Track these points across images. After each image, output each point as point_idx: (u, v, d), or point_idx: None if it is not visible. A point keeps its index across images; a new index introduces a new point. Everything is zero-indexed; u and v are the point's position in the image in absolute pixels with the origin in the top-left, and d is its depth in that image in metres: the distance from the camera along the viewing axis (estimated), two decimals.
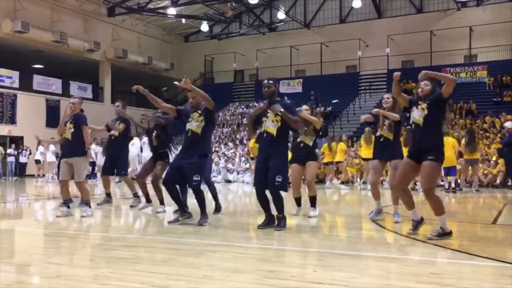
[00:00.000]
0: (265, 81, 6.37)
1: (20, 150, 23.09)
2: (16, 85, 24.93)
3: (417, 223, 5.67)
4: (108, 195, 9.48)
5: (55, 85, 26.90)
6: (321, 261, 4.42)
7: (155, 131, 8.28)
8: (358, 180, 17.34)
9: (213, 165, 17.85)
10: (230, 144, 24.26)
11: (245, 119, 26.67)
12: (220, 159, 20.70)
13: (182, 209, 6.83)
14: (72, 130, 7.54)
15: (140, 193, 9.15)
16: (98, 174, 19.01)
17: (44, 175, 20.91)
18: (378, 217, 7.09)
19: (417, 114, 5.38)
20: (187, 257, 4.50)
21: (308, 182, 7.52)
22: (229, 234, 5.98)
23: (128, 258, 4.44)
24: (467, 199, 11.44)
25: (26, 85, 25.40)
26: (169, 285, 3.49)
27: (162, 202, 8.26)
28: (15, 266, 4.27)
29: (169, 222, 6.73)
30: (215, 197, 8.08)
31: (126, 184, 9.17)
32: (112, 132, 9.28)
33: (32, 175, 22.50)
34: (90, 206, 7.61)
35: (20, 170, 23.10)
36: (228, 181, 19.33)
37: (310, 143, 7.44)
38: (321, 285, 3.46)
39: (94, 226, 6.80)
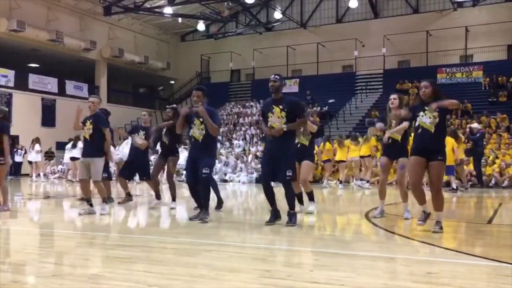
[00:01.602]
0: (272, 76, 6.50)
1: (15, 150, 22.95)
2: (12, 84, 24.84)
3: (427, 216, 5.92)
4: (128, 194, 9.59)
5: (51, 84, 26.81)
6: (317, 261, 4.42)
7: (165, 128, 8.64)
8: (354, 179, 17.31)
9: None
10: (227, 143, 24.26)
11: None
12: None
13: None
14: (91, 131, 7.55)
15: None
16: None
17: (39, 175, 20.78)
18: (380, 217, 7.11)
19: (428, 121, 5.60)
20: (182, 257, 4.49)
21: (303, 181, 7.70)
22: (225, 234, 5.98)
23: (123, 257, 4.42)
24: (462, 199, 11.46)
25: (21, 84, 25.31)
26: (165, 285, 3.48)
27: (174, 199, 8.61)
28: (10, 265, 4.25)
29: (190, 219, 6.87)
30: (217, 194, 8.36)
31: (149, 186, 9.44)
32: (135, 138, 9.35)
33: (27, 175, 22.38)
34: (107, 203, 7.76)
35: (16, 170, 22.97)
36: (225, 181, 19.32)
37: (307, 143, 7.69)
38: (317, 285, 3.45)
39: (90, 225, 6.77)
